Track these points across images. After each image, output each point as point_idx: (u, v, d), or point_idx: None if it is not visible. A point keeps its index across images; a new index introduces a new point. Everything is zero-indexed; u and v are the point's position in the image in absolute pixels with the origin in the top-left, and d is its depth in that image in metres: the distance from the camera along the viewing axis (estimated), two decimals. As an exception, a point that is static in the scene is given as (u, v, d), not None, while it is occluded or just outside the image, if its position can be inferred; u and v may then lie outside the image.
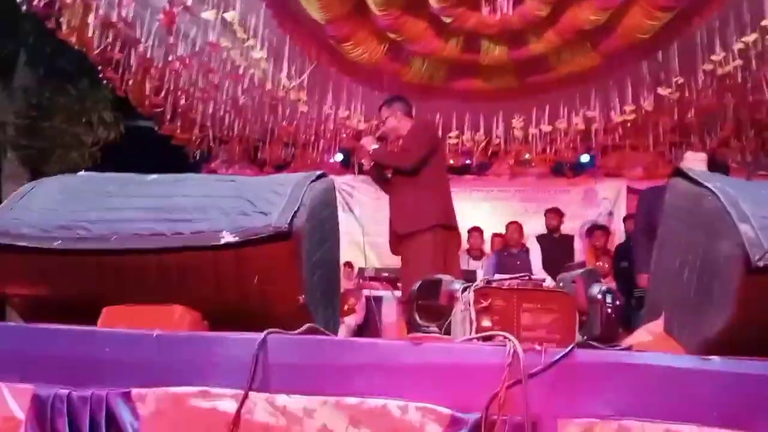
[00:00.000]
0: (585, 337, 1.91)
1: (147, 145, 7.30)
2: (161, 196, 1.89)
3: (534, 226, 7.03)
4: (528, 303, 1.43)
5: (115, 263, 1.77)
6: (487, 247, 6.92)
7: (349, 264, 7.03)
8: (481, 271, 6.50)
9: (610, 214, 7.34)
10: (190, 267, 1.76)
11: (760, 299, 1.47)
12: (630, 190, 7.31)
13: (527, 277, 1.55)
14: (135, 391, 1.08)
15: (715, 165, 4.58)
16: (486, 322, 1.41)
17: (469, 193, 7.57)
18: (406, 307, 4.17)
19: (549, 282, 5.64)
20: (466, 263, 6.66)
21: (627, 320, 5.63)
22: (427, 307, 2.09)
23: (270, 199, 1.82)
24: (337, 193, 7.57)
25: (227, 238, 1.71)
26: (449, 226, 3.86)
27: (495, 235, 6.89)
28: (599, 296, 1.91)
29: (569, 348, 1.00)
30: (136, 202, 1.87)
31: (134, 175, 2.11)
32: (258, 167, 7.94)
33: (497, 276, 1.60)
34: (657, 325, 1.63)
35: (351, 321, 6.82)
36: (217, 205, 1.82)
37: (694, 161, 4.62)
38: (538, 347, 1.02)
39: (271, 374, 1.05)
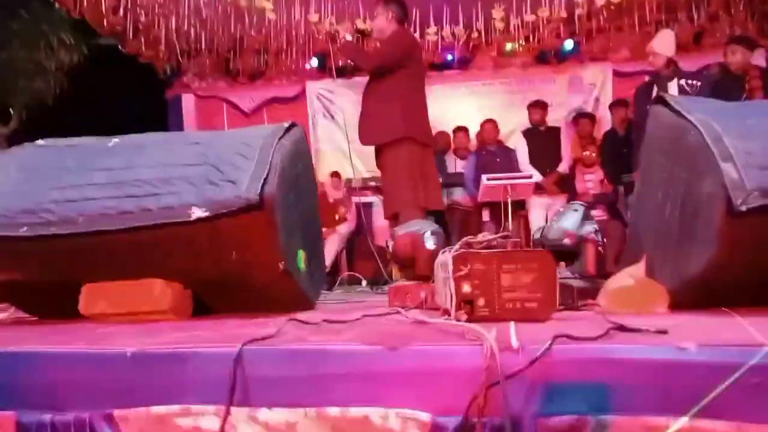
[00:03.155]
0: (576, 275, 1.94)
1: (114, 65, 6.99)
2: (123, 167, 1.80)
3: (521, 118, 6.91)
4: (507, 264, 1.41)
5: (85, 245, 1.72)
6: (472, 146, 6.83)
7: (336, 174, 6.98)
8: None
9: (597, 100, 7.18)
10: (163, 243, 1.72)
11: (742, 241, 1.45)
12: (616, 74, 7.11)
13: (506, 236, 1.53)
14: (117, 413, 1.07)
15: (729, 76, 4.42)
16: (467, 288, 1.40)
17: (452, 89, 7.35)
18: (391, 224, 4.20)
19: (536, 177, 5.65)
20: (453, 164, 6.62)
21: (615, 207, 5.71)
22: (403, 261, 2.09)
23: (237, 164, 1.74)
24: (317, 100, 7.46)
25: (197, 213, 1.66)
26: (423, 143, 3.80)
27: (477, 134, 6.78)
28: (592, 236, 1.90)
29: (546, 346, 0.98)
30: (99, 177, 1.79)
31: (93, 141, 2.00)
32: (231, 78, 7.64)
33: (480, 236, 1.57)
34: (639, 269, 1.62)
35: (343, 229, 6.87)
36: (182, 175, 1.74)
37: (661, 39, 4.47)
38: (515, 345, 1.00)
39: (251, 388, 1.04)
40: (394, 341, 1.06)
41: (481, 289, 1.40)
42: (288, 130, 1.92)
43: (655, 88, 4.38)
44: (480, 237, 1.52)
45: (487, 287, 1.40)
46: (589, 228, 1.90)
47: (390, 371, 1.02)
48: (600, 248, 1.87)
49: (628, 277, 1.59)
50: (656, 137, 1.82)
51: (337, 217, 6.78)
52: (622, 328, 1.13)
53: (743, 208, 1.40)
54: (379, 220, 7.23)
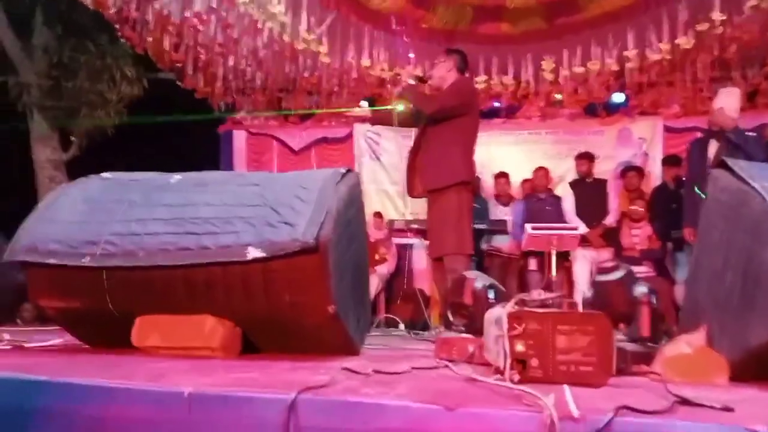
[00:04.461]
0: (631, 340, 1.88)
1: (171, 98, 7.25)
2: (185, 204, 1.86)
3: (566, 168, 6.88)
4: (563, 325, 1.39)
5: (143, 278, 1.77)
6: (515, 192, 6.80)
7: (378, 214, 7.02)
8: (509, 218, 6.43)
9: (646, 154, 7.08)
10: (217, 280, 1.75)
11: (809, 315, 1.41)
12: (667, 129, 7.01)
13: (561, 295, 1.51)
14: (171, 452, 1.08)
15: None
16: (520, 347, 1.38)
17: (498, 137, 7.36)
18: (434, 266, 4.20)
19: (582, 228, 5.55)
20: (494, 210, 6.59)
21: (662, 263, 5.57)
22: (456, 306, 2.09)
23: (295, 207, 1.78)
24: (364, 142, 7.59)
25: (253, 253, 1.69)
26: (474, 190, 3.93)
27: (525, 181, 6.74)
28: (644, 297, 1.86)
29: (609, 417, 0.96)
30: (160, 213, 1.85)
31: (156, 176, 2.08)
32: (283, 117, 7.84)
33: (534, 293, 1.55)
34: (698, 337, 1.57)
35: (383, 270, 6.86)
36: (241, 215, 1.79)
37: (728, 96, 4.40)
38: (575, 414, 0.98)
39: (303, 438, 1.04)
40: (450, 401, 1.05)
41: (535, 349, 1.38)
42: (345, 175, 1.96)
43: (712, 145, 4.31)
44: (534, 294, 1.51)
45: (541, 348, 1.38)
46: (643, 290, 1.85)
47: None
48: (654, 310, 1.83)
49: (686, 345, 1.55)
50: (717, 201, 1.79)
51: (377, 257, 6.78)
52: (686, 402, 1.09)
53: (810, 281, 1.36)
54: (419, 263, 7.24)
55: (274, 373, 1.42)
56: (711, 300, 1.76)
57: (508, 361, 1.30)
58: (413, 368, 1.50)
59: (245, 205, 1.82)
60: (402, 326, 5.07)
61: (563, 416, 0.97)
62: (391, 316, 5.76)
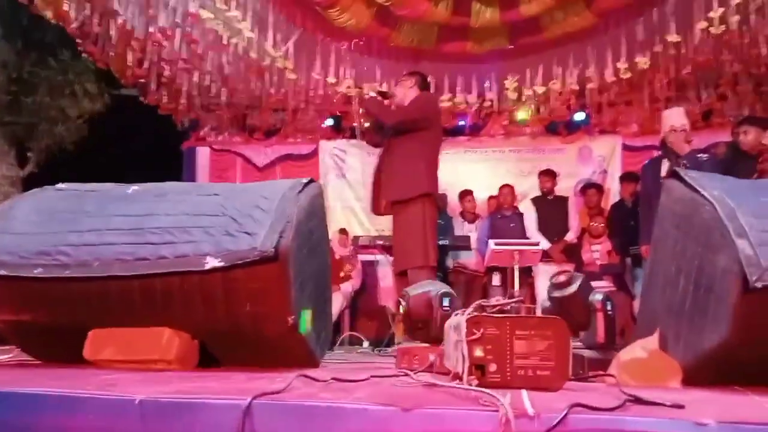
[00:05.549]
0: (587, 346, 1.91)
1: (134, 115, 7.16)
2: (142, 214, 1.83)
3: (530, 186, 6.98)
4: (521, 330, 1.40)
5: (98, 289, 1.73)
6: (480, 210, 6.87)
7: (343, 231, 7.00)
8: (475, 233, 6.49)
9: (605, 171, 7.25)
10: (175, 290, 1.72)
11: (757, 318, 1.44)
12: (625, 147, 7.21)
13: (519, 301, 1.52)
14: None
15: (739, 156, 4.48)
16: (479, 352, 1.38)
17: (463, 154, 7.46)
18: (398, 281, 4.20)
19: (544, 244, 5.60)
20: (460, 227, 6.64)
21: (622, 278, 5.66)
22: (417, 322, 2.07)
23: (255, 217, 1.76)
24: (330, 158, 7.60)
25: (212, 262, 1.67)
26: (437, 204, 3.96)
27: (491, 198, 6.83)
28: (598, 305, 1.89)
29: (563, 414, 0.97)
30: (116, 222, 1.81)
31: (113, 187, 2.04)
32: (247, 134, 7.80)
33: (492, 299, 1.56)
34: (652, 342, 1.61)
35: (347, 287, 6.82)
36: (200, 225, 1.76)
37: (671, 117, 4.51)
38: (530, 412, 0.99)
39: (258, 443, 1.02)
40: (407, 403, 1.04)
41: (494, 354, 1.38)
42: (306, 185, 1.95)
43: (665, 164, 4.43)
44: (493, 300, 1.52)
45: (499, 352, 1.38)
46: (598, 297, 1.89)
47: (403, 433, 1.01)
48: (609, 316, 1.86)
49: (641, 349, 1.57)
50: (670, 210, 1.84)
51: (342, 274, 6.75)
52: (638, 401, 1.11)
53: (758, 285, 1.40)
54: (385, 280, 7.22)
55: (230, 381, 1.39)
56: (665, 306, 1.80)
57: (467, 365, 1.31)
58: (372, 376, 1.50)
59: (205, 215, 1.79)
60: (366, 343, 5.03)
61: (518, 414, 0.98)
62: (356, 334, 5.72)
